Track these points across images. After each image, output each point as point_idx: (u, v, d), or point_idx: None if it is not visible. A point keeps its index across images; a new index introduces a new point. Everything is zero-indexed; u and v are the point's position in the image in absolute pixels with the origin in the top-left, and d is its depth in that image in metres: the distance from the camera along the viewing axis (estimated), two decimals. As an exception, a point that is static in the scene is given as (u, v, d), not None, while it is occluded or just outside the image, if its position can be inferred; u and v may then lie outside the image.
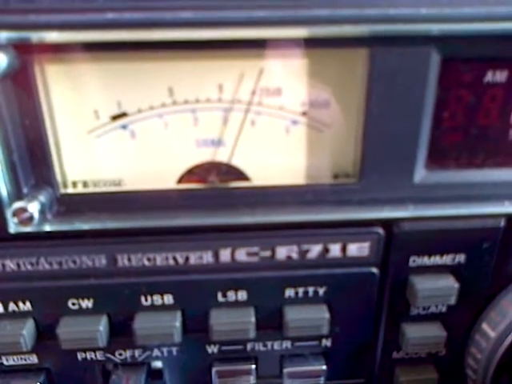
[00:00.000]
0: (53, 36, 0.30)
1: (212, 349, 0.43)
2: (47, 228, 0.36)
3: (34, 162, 0.35)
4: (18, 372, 0.42)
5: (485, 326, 0.43)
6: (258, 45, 0.33)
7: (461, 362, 0.45)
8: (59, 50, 0.32)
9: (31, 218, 0.34)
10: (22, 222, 0.34)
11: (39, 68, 0.33)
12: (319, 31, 0.31)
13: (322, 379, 0.44)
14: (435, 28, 0.31)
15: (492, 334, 0.42)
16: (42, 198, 0.35)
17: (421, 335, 0.42)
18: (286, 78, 0.36)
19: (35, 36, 0.30)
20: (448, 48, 0.33)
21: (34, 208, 0.34)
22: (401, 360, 0.46)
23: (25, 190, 0.35)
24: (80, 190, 0.37)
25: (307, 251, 0.39)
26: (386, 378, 0.46)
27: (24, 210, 0.34)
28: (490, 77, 0.35)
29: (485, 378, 0.43)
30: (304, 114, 0.37)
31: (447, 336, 0.43)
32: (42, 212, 0.35)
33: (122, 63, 0.34)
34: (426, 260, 0.40)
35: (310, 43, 0.33)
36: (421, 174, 0.37)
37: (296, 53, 0.34)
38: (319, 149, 0.38)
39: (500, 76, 0.35)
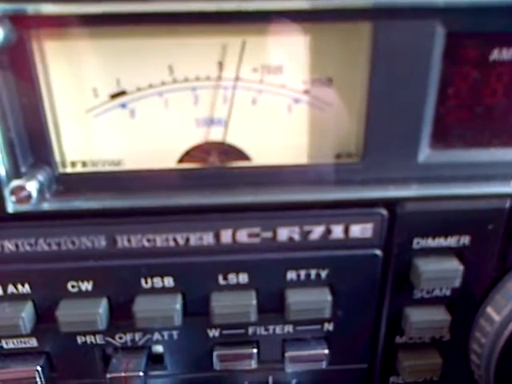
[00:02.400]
0: (49, 8, 0.30)
1: (213, 333, 0.42)
2: (46, 207, 0.35)
3: (33, 140, 0.35)
4: (18, 355, 0.42)
5: (489, 310, 0.42)
6: (259, 19, 0.32)
7: (465, 347, 0.45)
8: (56, 24, 0.32)
9: (29, 196, 0.34)
10: (20, 201, 0.34)
11: (37, 43, 0.33)
12: (321, 3, 0.31)
13: (324, 364, 0.43)
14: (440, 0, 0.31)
15: (497, 317, 0.41)
16: (41, 177, 0.35)
17: (424, 319, 0.42)
18: (288, 55, 0.35)
19: (31, 8, 0.30)
20: (453, 21, 0.32)
21: (32, 187, 0.34)
22: (404, 345, 0.45)
23: (23, 169, 0.34)
24: (79, 169, 0.37)
25: (309, 232, 0.38)
26: (388, 363, 0.46)
27: (22, 188, 0.33)
28: (496, 54, 0.35)
29: (489, 363, 0.42)
30: (306, 92, 0.36)
31: (451, 320, 0.42)
32: (40, 191, 0.34)
33: (121, 40, 0.34)
34: (430, 242, 0.39)
35: (311, 17, 0.32)
36: (425, 153, 0.37)
37: (297, 28, 0.34)
38: (321, 128, 0.37)
39: (507, 53, 0.35)
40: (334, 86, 0.36)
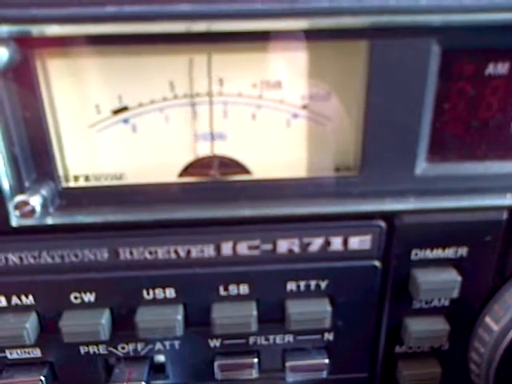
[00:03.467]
0: (53, 29, 0.30)
1: (214, 343, 0.43)
2: (49, 221, 0.36)
3: (36, 155, 0.35)
4: (22, 365, 0.43)
5: (488, 320, 0.43)
6: (259, 38, 0.33)
7: (464, 356, 0.45)
8: (60, 44, 0.32)
9: (33, 211, 0.34)
10: (24, 215, 0.34)
11: (40, 62, 0.33)
12: (319, 23, 0.31)
13: (325, 373, 0.44)
14: (436, 19, 0.31)
15: (495, 327, 0.42)
16: (44, 191, 0.35)
17: (424, 329, 0.42)
18: (286, 71, 0.35)
19: (36, 29, 0.30)
20: (448, 39, 0.33)
21: (35, 201, 0.34)
22: (403, 354, 0.45)
23: (26, 184, 0.35)
24: (82, 183, 0.38)
25: (309, 244, 0.39)
26: (388, 372, 0.46)
27: (26, 203, 0.34)
28: (491, 69, 0.35)
29: (488, 372, 0.43)
30: (304, 107, 0.37)
31: (450, 330, 0.43)
32: (43, 205, 0.35)
33: (123, 57, 0.34)
34: (428, 253, 0.40)
35: (310, 35, 0.33)
36: (422, 166, 0.37)
37: (296, 45, 0.34)
38: (320, 142, 0.38)
39: (501, 68, 0.35)
40: (333, 100, 0.36)
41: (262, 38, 0.33)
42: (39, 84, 0.34)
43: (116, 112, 0.36)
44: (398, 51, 0.33)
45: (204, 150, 0.38)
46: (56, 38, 0.31)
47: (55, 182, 0.36)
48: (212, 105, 0.36)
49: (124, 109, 0.36)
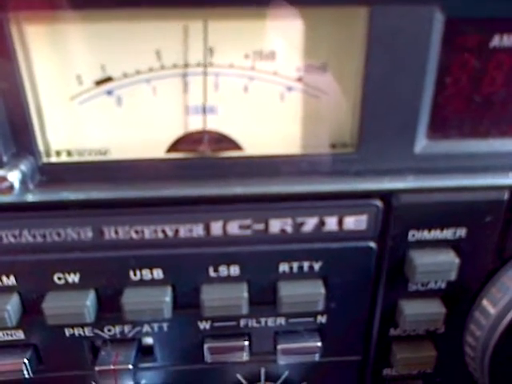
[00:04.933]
0: (29, -10, 0.28)
1: (204, 325, 0.42)
2: (29, 198, 0.34)
3: (15, 129, 0.34)
4: (4, 348, 0.41)
5: (485, 303, 0.42)
6: (252, 2, 0.31)
7: (460, 340, 0.44)
8: (38, 7, 0.30)
9: (11, 187, 0.32)
10: (2, 192, 0.32)
11: (16, 27, 0.31)
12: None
13: (317, 356, 0.43)
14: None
15: (492, 310, 0.41)
16: (24, 167, 0.34)
17: (419, 312, 0.41)
18: (280, 40, 0.34)
19: (9, -10, 0.28)
20: (452, 7, 0.31)
21: (14, 177, 0.33)
22: (398, 337, 0.44)
23: (4, 159, 0.33)
24: (64, 159, 0.36)
25: (302, 224, 0.37)
26: (382, 355, 0.46)
27: (4, 179, 0.32)
28: (496, 41, 0.33)
29: (483, 356, 0.42)
30: (299, 79, 0.35)
31: (446, 313, 0.42)
32: (23, 181, 0.33)
33: (107, 23, 0.32)
34: (425, 234, 0.38)
35: (306, 0, 0.31)
36: (422, 143, 0.36)
37: (291, 12, 0.32)
38: (316, 117, 0.36)
39: (507, 40, 0.33)
40: (329, 73, 0.35)
41: (254, 2, 0.31)
42: (15, 52, 0.31)
43: (99, 83, 0.34)
44: (399, 19, 0.31)
45: (193, 124, 0.36)
46: (33, 0, 0.29)
47: (35, 157, 0.35)
48: (202, 76, 0.34)
49: (108, 79, 0.34)
